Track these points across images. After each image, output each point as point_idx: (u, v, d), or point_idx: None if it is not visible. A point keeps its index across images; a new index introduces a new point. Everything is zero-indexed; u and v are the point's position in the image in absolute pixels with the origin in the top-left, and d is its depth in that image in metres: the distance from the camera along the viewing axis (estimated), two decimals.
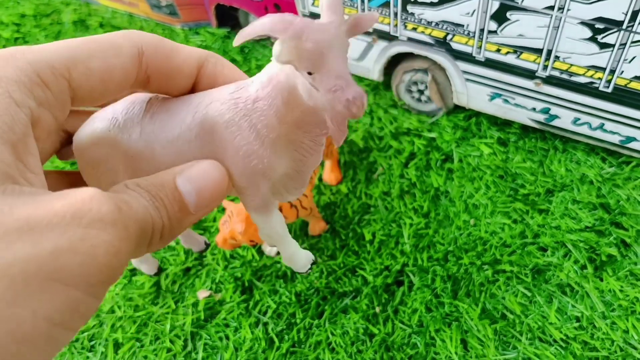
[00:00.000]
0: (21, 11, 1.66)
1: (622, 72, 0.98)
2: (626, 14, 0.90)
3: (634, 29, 0.91)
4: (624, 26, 0.92)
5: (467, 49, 1.10)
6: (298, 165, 0.34)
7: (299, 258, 0.38)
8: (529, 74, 1.07)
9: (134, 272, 1.09)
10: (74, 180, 0.38)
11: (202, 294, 1.05)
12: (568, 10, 0.94)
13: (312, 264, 0.39)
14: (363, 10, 1.15)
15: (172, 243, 1.11)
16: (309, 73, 0.27)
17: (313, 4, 1.21)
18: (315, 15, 1.23)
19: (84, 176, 0.36)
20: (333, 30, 0.27)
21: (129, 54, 0.30)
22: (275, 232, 0.36)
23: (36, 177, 0.26)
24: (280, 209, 0.97)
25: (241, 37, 0.27)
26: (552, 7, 0.95)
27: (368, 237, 1.09)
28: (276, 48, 0.27)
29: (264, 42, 1.50)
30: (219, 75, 0.34)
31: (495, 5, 1.00)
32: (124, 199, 0.27)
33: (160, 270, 0.44)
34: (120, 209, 0.26)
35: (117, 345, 1.00)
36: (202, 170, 0.31)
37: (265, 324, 1.01)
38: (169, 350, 0.99)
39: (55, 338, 0.23)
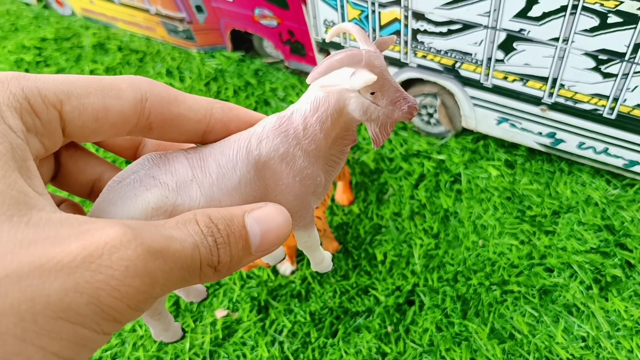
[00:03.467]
0: (42, 35, 1.72)
1: (625, 100, 1.02)
2: (628, 47, 0.94)
3: (636, 60, 0.95)
4: (627, 57, 0.96)
5: (475, 76, 1.14)
6: (327, 176, 0.36)
7: (327, 259, 0.40)
8: (535, 101, 1.11)
9: None
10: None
11: (220, 313, 1.09)
12: (572, 42, 0.98)
13: (332, 260, 0.42)
14: (374, 39, 1.19)
15: None
16: (371, 93, 0.32)
17: (325, 31, 1.25)
18: (328, 43, 1.28)
19: None
20: (381, 55, 0.32)
21: (130, 97, 0.30)
22: (316, 241, 0.38)
23: (46, 199, 0.27)
24: None
25: (317, 74, 0.32)
26: (557, 39, 0.99)
27: (380, 257, 1.13)
28: (359, 81, 0.31)
29: (277, 65, 1.55)
30: (230, 119, 0.35)
31: (502, 36, 1.04)
32: (170, 236, 0.27)
33: (184, 333, 0.45)
34: (147, 251, 0.26)
35: None
36: (269, 213, 0.31)
37: (281, 343, 1.04)
38: None
39: None
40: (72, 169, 0.36)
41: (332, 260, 0.41)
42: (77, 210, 0.35)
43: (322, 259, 0.39)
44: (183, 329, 0.42)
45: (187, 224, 0.29)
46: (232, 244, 0.29)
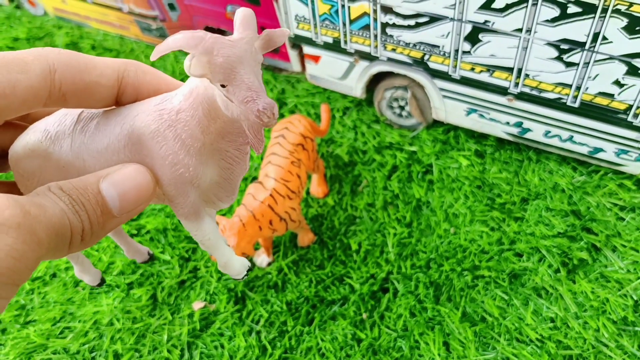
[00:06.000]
0: (14, 35, 1.71)
1: (587, 88, 1.05)
2: (588, 36, 0.97)
3: (595, 49, 0.99)
4: (587, 47, 0.99)
5: (444, 68, 1.17)
6: (226, 174, 0.35)
7: (234, 264, 0.38)
8: (502, 91, 1.14)
9: (131, 285, 1.14)
10: (14, 190, 0.38)
11: (197, 305, 1.10)
12: (535, 32, 1.01)
13: (247, 271, 0.39)
14: (345, 33, 1.22)
15: (167, 257, 1.16)
16: (223, 86, 0.29)
17: (297, 27, 1.27)
18: (300, 38, 1.30)
19: (20, 188, 0.36)
20: (243, 46, 0.29)
21: (37, 70, 0.30)
22: (208, 239, 0.37)
23: None
24: (271, 222, 1.03)
25: (157, 53, 0.29)
26: (520, 30, 1.03)
27: (354, 247, 1.15)
28: (186, 63, 0.29)
29: None
30: (142, 83, 0.34)
31: (468, 28, 1.07)
32: (38, 202, 0.28)
33: (103, 281, 0.45)
34: (28, 212, 0.26)
35: (116, 357, 1.05)
36: (126, 175, 0.31)
37: (258, 333, 1.06)
38: (166, 359, 1.04)
39: None
40: None
41: (249, 271, 0.39)
42: None
43: (225, 261, 0.38)
44: (103, 278, 0.44)
45: (47, 194, 0.29)
46: (89, 211, 0.30)
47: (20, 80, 0.29)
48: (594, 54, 1.00)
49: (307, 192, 1.25)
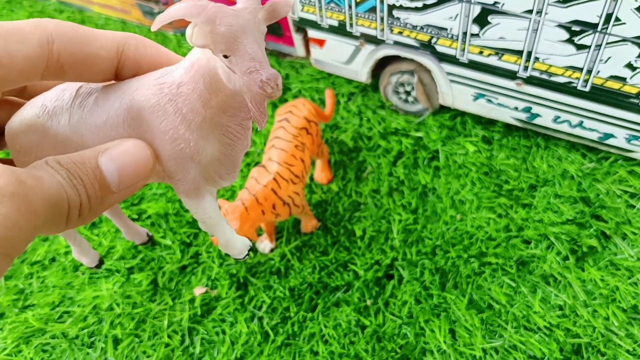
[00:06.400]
0: (15, 19, 1.68)
1: (599, 71, 1.03)
2: (600, 17, 0.95)
3: (608, 31, 0.96)
4: (599, 28, 0.97)
5: (451, 52, 1.15)
6: (227, 150, 0.34)
7: (235, 243, 0.38)
8: (511, 75, 1.12)
9: (131, 270, 1.12)
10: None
11: (199, 291, 1.08)
12: (546, 13, 0.99)
13: (249, 250, 0.38)
14: (351, 15, 1.19)
15: (168, 241, 1.14)
16: (225, 57, 0.28)
17: (302, 9, 1.25)
18: (304, 21, 1.27)
19: (17, 164, 0.36)
20: (246, 15, 0.28)
21: (34, 40, 0.29)
22: (209, 217, 0.36)
23: None
24: (274, 207, 1.01)
25: (158, 22, 0.28)
26: (530, 11, 1.00)
27: (359, 233, 1.13)
28: (188, 32, 0.28)
29: None
30: (142, 57, 0.33)
31: (477, 10, 1.05)
32: (35, 174, 0.27)
33: (101, 262, 0.44)
34: (23, 182, 0.26)
35: (116, 341, 1.03)
36: (125, 150, 0.31)
37: (261, 319, 1.04)
38: (167, 345, 1.02)
39: None
40: None
41: (250, 250, 0.38)
42: None
43: (226, 240, 0.37)
44: (101, 259, 0.44)
45: (44, 167, 0.28)
46: (87, 185, 0.29)
47: (18, 50, 0.28)
48: (606, 36, 0.97)
49: (311, 178, 1.23)
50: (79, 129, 0.33)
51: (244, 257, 0.38)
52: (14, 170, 0.26)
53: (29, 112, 0.35)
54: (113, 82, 0.34)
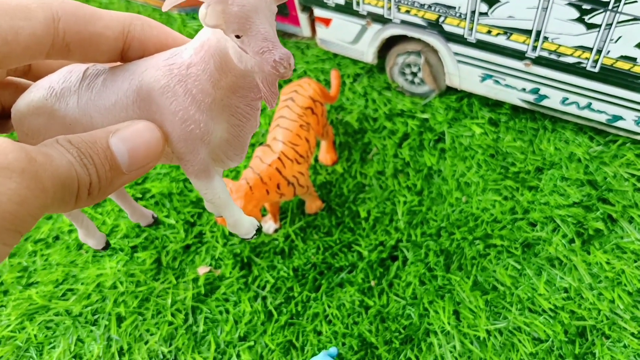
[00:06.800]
0: None
1: (609, 51, 1.01)
2: None
3: (619, 10, 0.94)
4: (610, 7, 0.95)
5: (459, 31, 1.13)
6: (236, 131, 0.34)
7: (243, 224, 0.38)
8: (519, 55, 1.10)
9: (135, 249, 1.12)
10: None
11: (202, 270, 1.08)
12: None
13: (256, 230, 0.38)
14: (358, 1, 1.18)
15: (172, 221, 1.14)
16: (237, 37, 0.28)
17: None
18: (310, 0, 1.26)
19: None
20: None
21: (40, 17, 0.29)
22: (218, 198, 0.36)
23: None
24: (278, 186, 1.00)
25: (169, 3, 0.28)
26: None
27: (363, 214, 1.12)
28: (202, 12, 0.28)
29: None
30: (149, 37, 0.33)
31: None
32: (45, 152, 0.27)
33: (107, 244, 0.44)
34: (33, 159, 0.26)
35: (119, 319, 1.03)
36: (136, 131, 0.31)
37: (264, 298, 1.04)
38: (170, 323, 1.02)
39: None
40: None
41: (258, 231, 0.38)
42: None
43: (235, 220, 0.37)
44: (107, 242, 0.44)
45: (55, 145, 0.28)
46: (98, 165, 0.29)
47: (23, 27, 0.28)
48: (618, 15, 0.95)
49: (316, 159, 1.22)
50: (88, 111, 0.33)
51: (252, 237, 0.38)
52: (24, 147, 0.26)
53: (36, 94, 0.34)
54: (120, 63, 0.34)
